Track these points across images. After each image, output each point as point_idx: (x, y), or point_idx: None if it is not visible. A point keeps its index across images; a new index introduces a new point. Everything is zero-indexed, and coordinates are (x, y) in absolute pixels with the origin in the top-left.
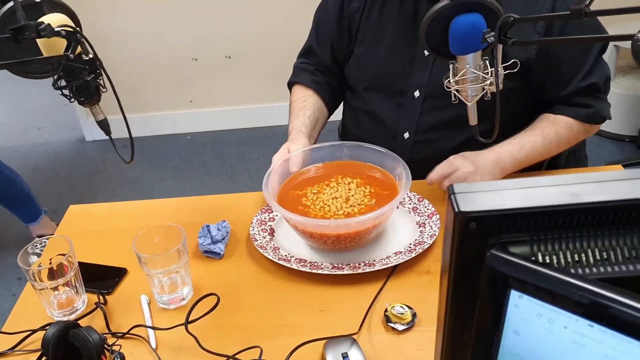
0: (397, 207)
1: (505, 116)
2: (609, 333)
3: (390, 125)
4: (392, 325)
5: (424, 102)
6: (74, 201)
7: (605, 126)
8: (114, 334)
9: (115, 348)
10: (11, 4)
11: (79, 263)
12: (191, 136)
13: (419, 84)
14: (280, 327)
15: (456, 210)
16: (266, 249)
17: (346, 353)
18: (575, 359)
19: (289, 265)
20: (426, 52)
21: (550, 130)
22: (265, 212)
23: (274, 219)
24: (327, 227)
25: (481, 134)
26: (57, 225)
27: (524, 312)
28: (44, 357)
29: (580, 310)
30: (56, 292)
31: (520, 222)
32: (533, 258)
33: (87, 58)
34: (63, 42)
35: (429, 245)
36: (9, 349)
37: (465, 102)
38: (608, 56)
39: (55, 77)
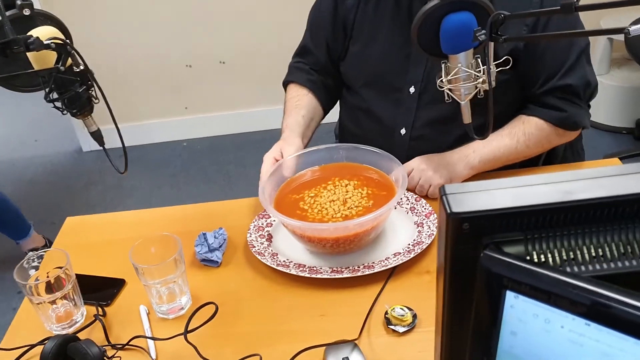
0: (395, 208)
1: (499, 108)
2: (605, 331)
3: (387, 122)
4: (393, 327)
5: (420, 97)
6: (72, 212)
7: (602, 118)
8: (113, 346)
9: None
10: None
11: (77, 275)
12: (187, 143)
13: (415, 80)
14: (280, 334)
15: (448, 211)
16: (264, 255)
17: (347, 358)
18: (573, 358)
19: (287, 271)
20: None
21: (520, 128)
22: (262, 218)
23: (272, 224)
24: (326, 231)
25: (475, 128)
26: (44, 237)
27: (520, 313)
28: None
29: (576, 309)
30: (54, 306)
31: (513, 222)
32: (528, 257)
33: (78, 70)
34: (53, 55)
35: (427, 245)
36: None
37: (458, 101)
38: (602, 49)
39: (47, 89)
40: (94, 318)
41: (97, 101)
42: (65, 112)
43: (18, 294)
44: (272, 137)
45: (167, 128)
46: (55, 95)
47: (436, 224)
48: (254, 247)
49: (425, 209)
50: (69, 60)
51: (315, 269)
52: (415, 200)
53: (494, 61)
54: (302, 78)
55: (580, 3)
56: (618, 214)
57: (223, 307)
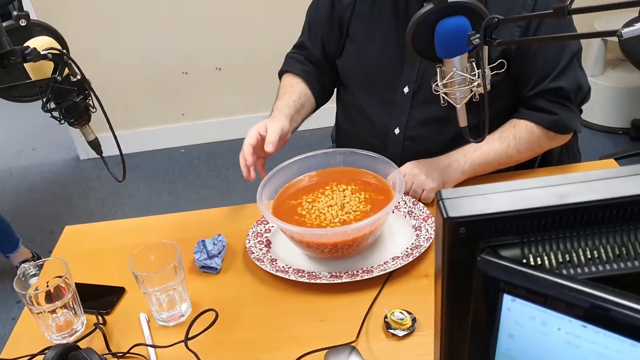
0: (393, 212)
1: (493, 110)
2: (602, 333)
3: (382, 122)
4: (392, 331)
5: (413, 97)
6: (71, 220)
7: (598, 119)
8: (114, 354)
9: None
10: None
11: (77, 284)
12: (185, 149)
13: (409, 80)
14: (280, 340)
15: (445, 216)
16: (263, 261)
17: None
18: None
19: (286, 277)
20: None
21: (510, 132)
22: (261, 224)
23: (270, 230)
24: (324, 236)
25: (470, 129)
26: (32, 252)
27: (517, 316)
28: None
29: (572, 311)
30: (54, 315)
31: (509, 225)
32: (524, 260)
33: (75, 79)
34: (50, 65)
35: (425, 248)
36: None
37: (454, 104)
38: (596, 50)
39: (44, 99)
40: (94, 327)
41: (94, 110)
42: (62, 121)
43: (17, 304)
44: None
45: (165, 135)
46: (52, 105)
47: (434, 227)
48: (253, 253)
49: (422, 212)
50: (66, 70)
51: (314, 274)
52: (413, 204)
53: (488, 64)
54: (297, 68)
55: (573, 6)
56: (612, 217)
57: (223, 314)
